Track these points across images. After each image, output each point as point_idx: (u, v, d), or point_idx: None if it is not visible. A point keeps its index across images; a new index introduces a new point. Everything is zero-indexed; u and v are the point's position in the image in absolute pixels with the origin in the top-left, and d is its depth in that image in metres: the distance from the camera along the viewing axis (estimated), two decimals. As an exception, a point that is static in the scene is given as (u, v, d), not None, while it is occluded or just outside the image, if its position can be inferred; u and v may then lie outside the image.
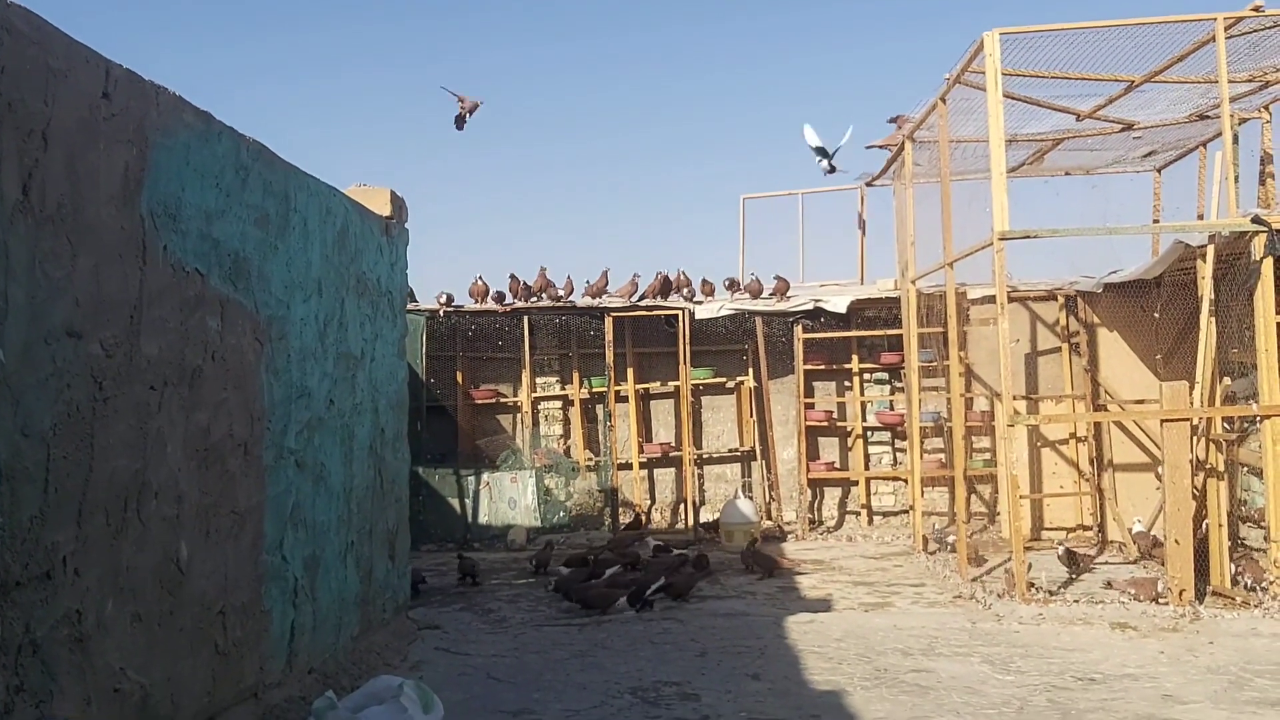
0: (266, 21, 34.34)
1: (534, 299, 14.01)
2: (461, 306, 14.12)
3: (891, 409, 14.05)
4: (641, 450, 14.30)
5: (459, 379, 14.53)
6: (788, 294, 13.87)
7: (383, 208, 7.62)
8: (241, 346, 5.25)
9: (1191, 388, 9.02)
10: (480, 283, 14.04)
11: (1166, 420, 8.67)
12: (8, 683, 3.52)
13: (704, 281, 14.11)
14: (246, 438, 5.27)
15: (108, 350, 4.15)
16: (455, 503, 13.49)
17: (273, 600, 5.54)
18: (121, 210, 4.27)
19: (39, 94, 3.78)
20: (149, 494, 4.40)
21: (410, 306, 10.93)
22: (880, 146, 12.48)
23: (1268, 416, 8.48)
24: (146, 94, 4.49)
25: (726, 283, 14.17)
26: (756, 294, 13.91)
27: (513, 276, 14.02)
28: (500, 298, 14.03)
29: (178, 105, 4.72)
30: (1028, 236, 8.71)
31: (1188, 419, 8.76)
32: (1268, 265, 8.60)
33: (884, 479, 14.16)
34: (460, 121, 13.53)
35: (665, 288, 13.95)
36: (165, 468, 4.53)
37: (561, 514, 13.90)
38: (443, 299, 13.99)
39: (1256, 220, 8.64)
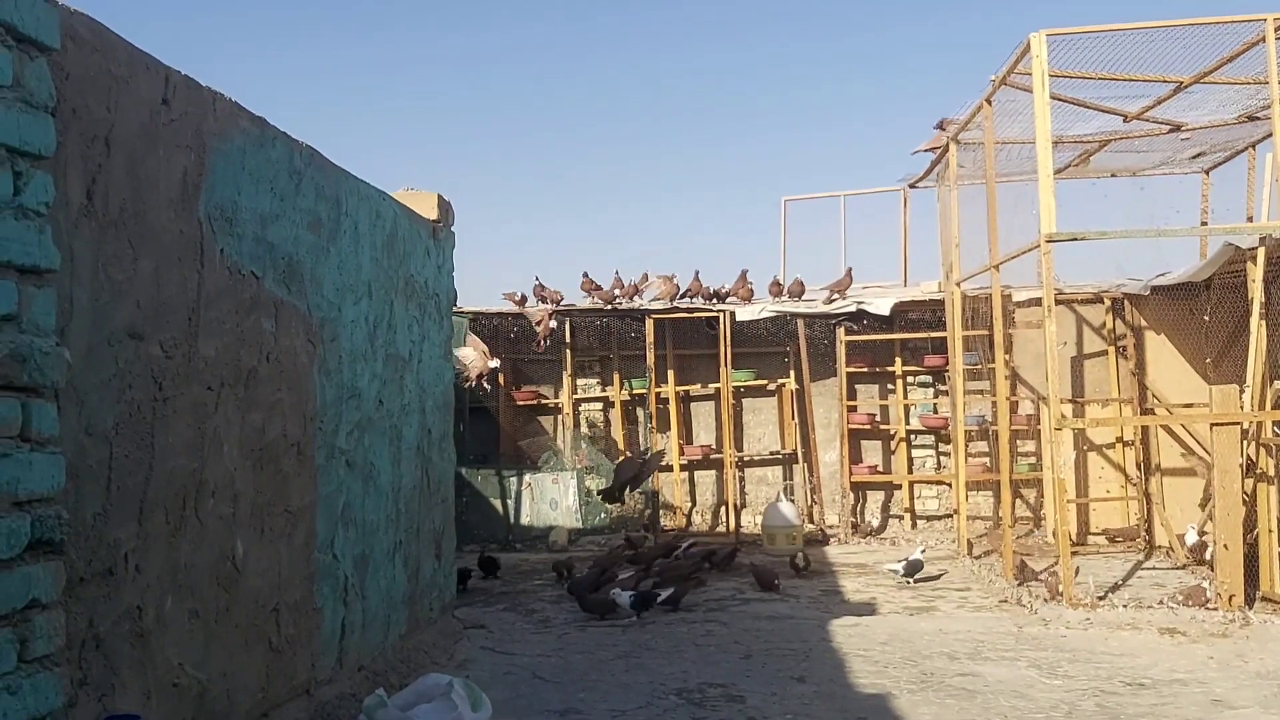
0: (309, 24, 34.72)
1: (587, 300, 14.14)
2: (525, 308, 14.24)
3: (935, 412, 13.98)
4: (682, 452, 14.32)
5: (501, 380, 14.62)
6: (846, 291, 13.83)
7: (430, 211, 7.70)
8: (295, 348, 5.33)
9: (1241, 391, 8.92)
10: (520, 295, 14.20)
11: (1216, 424, 8.58)
12: (72, 676, 3.59)
13: (746, 285, 14.10)
14: (300, 438, 5.35)
15: (167, 351, 4.23)
16: (497, 503, 13.57)
17: (324, 598, 5.61)
18: (180, 214, 4.36)
19: (102, 100, 3.87)
20: (206, 493, 4.49)
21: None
22: (925, 150, 12.42)
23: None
24: (204, 100, 4.57)
25: (772, 284, 14.18)
26: (799, 295, 13.89)
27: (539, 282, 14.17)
28: (523, 299, 14.16)
29: (234, 111, 4.81)
30: (1075, 239, 8.65)
31: (1238, 423, 8.65)
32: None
33: (927, 482, 14.09)
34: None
35: (712, 293, 14.02)
36: (222, 467, 4.62)
37: (602, 515, 13.94)
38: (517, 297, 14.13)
39: (1309, 222, 8.53)
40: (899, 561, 10.39)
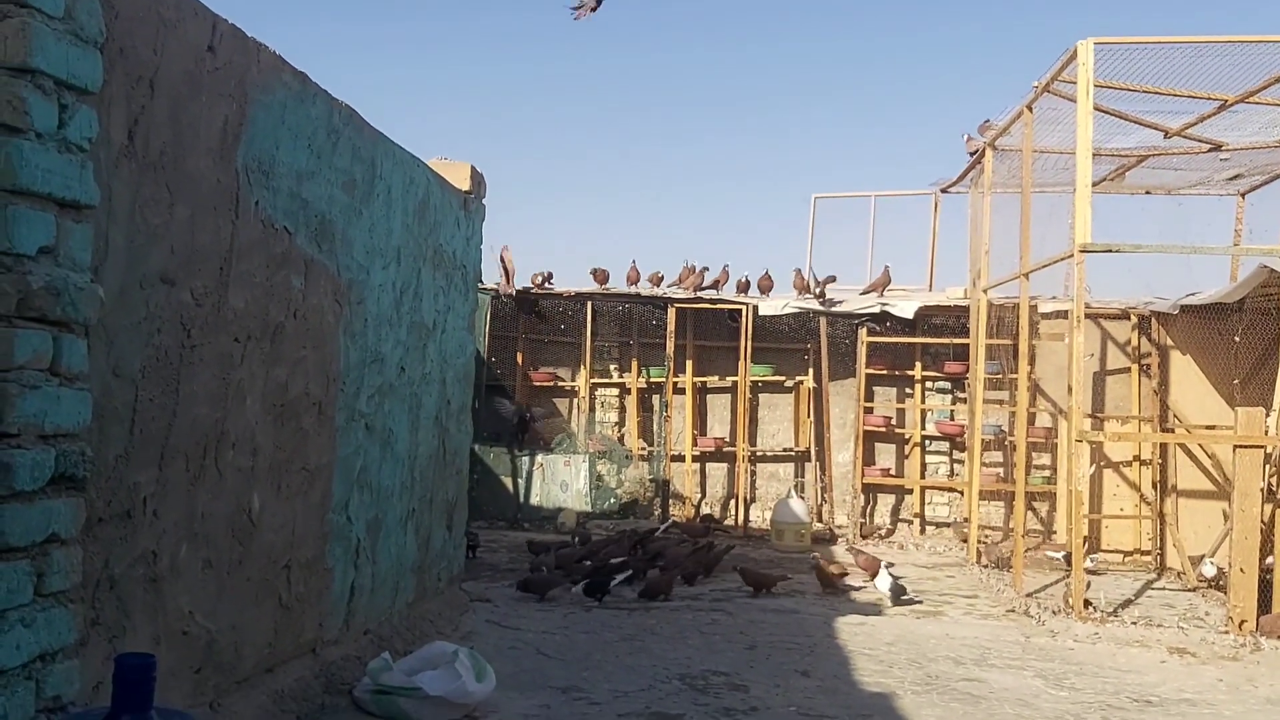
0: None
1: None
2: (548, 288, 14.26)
3: (952, 419, 13.92)
4: (695, 443, 14.29)
5: (519, 360, 14.62)
6: (884, 290, 13.81)
7: (462, 182, 7.67)
8: (322, 307, 5.32)
9: (1267, 415, 8.83)
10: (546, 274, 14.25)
11: (1240, 446, 8.50)
12: (85, 615, 3.59)
13: (802, 279, 14.09)
14: (321, 397, 5.33)
15: (197, 299, 4.22)
16: (508, 481, 13.59)
17: (335, 559, 5.60)
18: (218, 163, 4.34)
19: (149, 42, 3.85)
20: (227, 444, 4.48)
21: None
22: (971, 153, 12.34)
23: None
24: (249, 51, 4.55)
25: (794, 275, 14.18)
26: (823, 298, 13.87)
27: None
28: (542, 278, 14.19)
29: (277, 64, 4.79)
30: (1109, 250, 8.56)
31: (1262, 446, 8.56)
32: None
33: (939, 489, 14.04)
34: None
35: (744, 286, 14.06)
36: (244, 420, 4.60)
37: (612, 500, 13.94)
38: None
39: (1346, 249, 8.43)
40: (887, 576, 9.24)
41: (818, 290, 13.76)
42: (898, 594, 9.00)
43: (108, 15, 3.40)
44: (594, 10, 8.77)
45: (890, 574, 9.31)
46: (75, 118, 3.12)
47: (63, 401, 3.10)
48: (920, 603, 9.17)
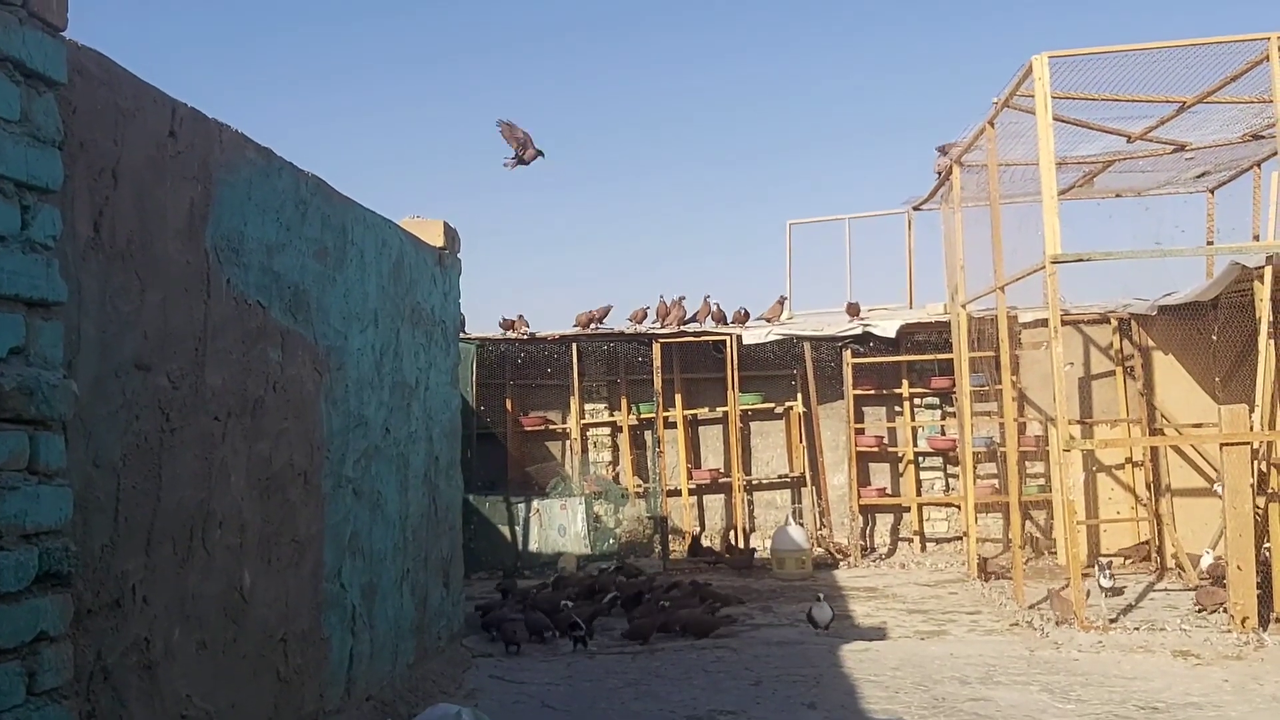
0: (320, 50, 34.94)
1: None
2: (529, 334, 14.33)
3: (943, 434, 13.96)
4: (690, 477, 14.30)
5: (509, 406, 14.64)
6: (860, 315, 13.92)
7: (436, 239, 7.72)
8: (301, 377, 5.33)
9: (1251, 410, 8.88)
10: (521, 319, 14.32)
11: (1226, 444, 8.54)
12: (80, 709, 3.58)
13: (741, 311, 14.24)
14: (306, 467, 5.35)
15: (174, 382, 4.24)
16: (505, 530, 13.54)
17: (332, 628, 5.59)
18: (187, 245, 4.37)
19: (109, 133, 3.89)
20: (214, 523, 4.48)
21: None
22: (938, 173, 12.47)
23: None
24: (210, 132, 4.59)
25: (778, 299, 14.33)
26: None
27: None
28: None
29: (240, 142, 4.83)
30: (1080, 260, 8.64)
31: (1248, 442, 8.60)
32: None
33: (936, 505, 14.05)
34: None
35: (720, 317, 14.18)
36: (229, 497, 4.61)
37: (611, 541, 13.90)
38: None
39: (1315, 240, 8.51)
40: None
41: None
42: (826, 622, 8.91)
43: (65, 111, 3.44)
44: (525, 164, 9.12)
45: (828, 605, 9.10)
46: (38, 218, 3.15)
47: (42, 500, 3.10)
48: (849, 617, 9.10)
